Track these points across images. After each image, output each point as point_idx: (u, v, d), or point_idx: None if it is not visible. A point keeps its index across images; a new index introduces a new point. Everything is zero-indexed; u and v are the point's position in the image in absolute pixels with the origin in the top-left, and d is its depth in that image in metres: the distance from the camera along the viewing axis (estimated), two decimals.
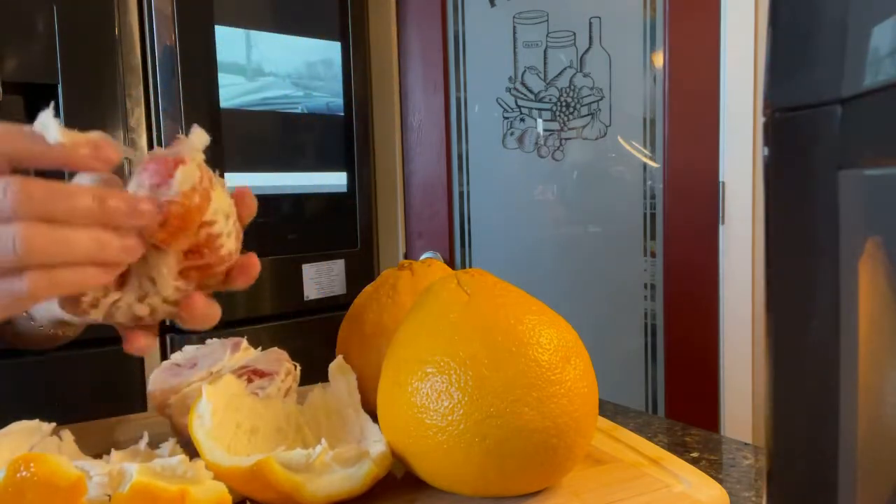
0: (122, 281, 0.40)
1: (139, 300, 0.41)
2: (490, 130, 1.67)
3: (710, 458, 0.58)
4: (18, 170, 0.38)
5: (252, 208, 0.45)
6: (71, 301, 0.40)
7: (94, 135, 0.38)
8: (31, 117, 0.37)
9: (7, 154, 0.37)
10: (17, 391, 1.19)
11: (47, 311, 0.54)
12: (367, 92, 1.66)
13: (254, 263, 0.44)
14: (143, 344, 0.42)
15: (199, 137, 0.41)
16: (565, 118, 1.63)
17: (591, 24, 1.59)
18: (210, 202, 0.40)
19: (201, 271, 0.42)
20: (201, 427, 0.41)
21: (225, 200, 0.42)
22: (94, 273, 0.37)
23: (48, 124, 0.38)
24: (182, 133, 0.41)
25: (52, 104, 0.39)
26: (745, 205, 1.49)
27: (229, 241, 0.42)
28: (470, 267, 1.33)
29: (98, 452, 0.44)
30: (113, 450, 0.43)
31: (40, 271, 0.35)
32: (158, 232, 0.39)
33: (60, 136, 0.37)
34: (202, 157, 0.40)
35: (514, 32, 1.63)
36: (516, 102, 1.65)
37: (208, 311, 0.42)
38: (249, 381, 0.49)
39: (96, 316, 0.40)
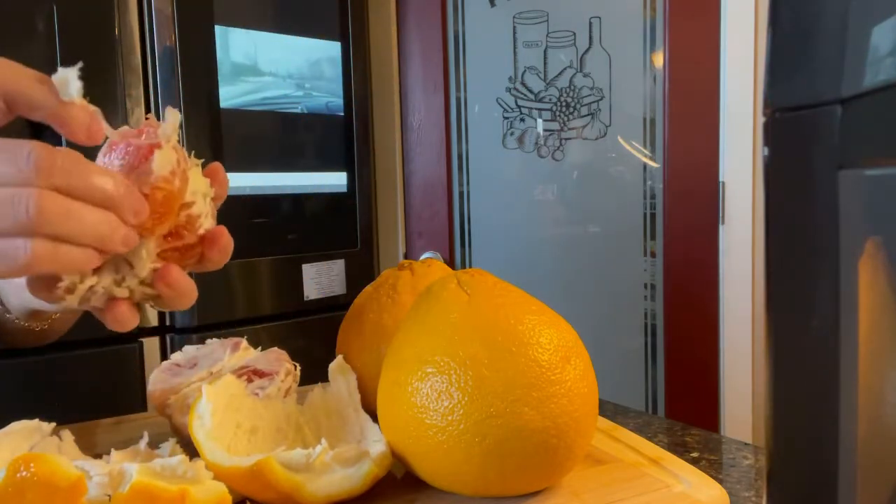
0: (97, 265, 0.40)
1: (116, 284, 0.40)
2: (490, 130, 1.67)
3: (710, 458, 0.58)
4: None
5: (225, 185, 0.43)
6: (46, 287, 0.39)
7: (93, 108, 0.38)
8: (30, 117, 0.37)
9: (5, 94, 0.36)
10: (17, 391, 1.19)
11: (20, 300, 0.53)
12: (367, 92, 1.66)
13: (222, 233, 0.42)
14: (124, 310, 0.40)
15: (172, 118, 0.40)
16: (565, 118, 1.63)
17: (591, 24, 1.59)
18: (188, 183, 0.40)
19: (180, 252, 0.41)
20: (201, 427, 0.41)
21: (201, 180, 0.41)
22: (96, 258, 0.36)
23: (70, 81, 0.37)
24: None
25: (80, 63, 0.37)
26: (745, 205, 1.49)
27: (207, 220, 0.42)
28: (470, 267, 1.33)
29: (98, 452, 0.44)
30: (113, 450, 0.43)
31: (46, 241, 0.34)
32: (145, 220, 0.38)
33: (76, 97, 0.37)
34: (176, 137, 0.40)
35: (514, 32, 1.63)
36: (516, 102, 1.65)
37: (185, 284, 0.41)
38: (249, 381, 0.49)
39: (72, 301, 0.39)
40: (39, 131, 0.38)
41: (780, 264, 0.22)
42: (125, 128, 0.40)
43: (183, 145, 0.41)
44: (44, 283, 0.39)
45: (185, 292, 0.41)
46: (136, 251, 0.39)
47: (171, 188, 0.38)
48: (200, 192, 0.41)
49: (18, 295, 0.53)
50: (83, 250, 0.36)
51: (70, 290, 0.38)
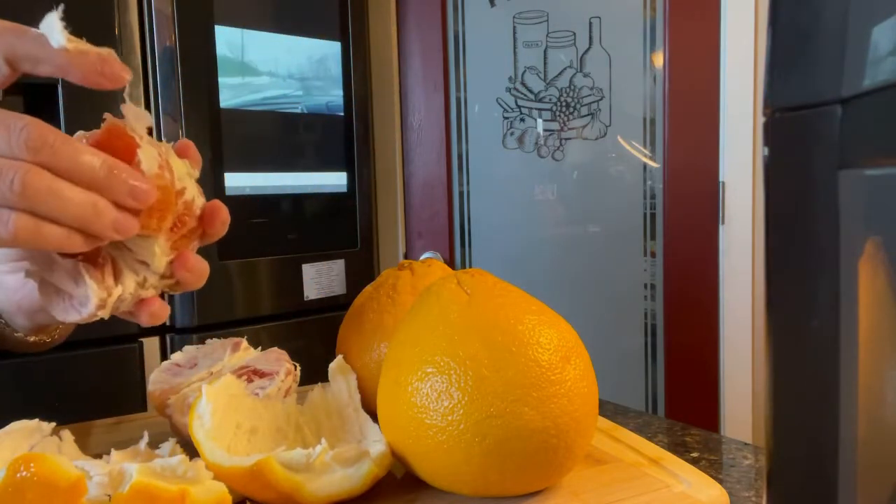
0: (116, 273, 0.40)
1: (140, 286, 0.41)
2: (490, 130, 1.67)
3: (710, 458, 0.58)
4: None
5: (198, 158, 0.43)
6: (74, 309, 0.39)
7: (104, 49, 0.37)
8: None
9: (5, 53, 0.35)
10: (17, 391, 1.19)
11: (29, 321, 0.53)
12: (367, 92, 1.66)
13: (219, 207, 0.43)
14: (156, 307, 0.41)
15: (134, 112, 0.39)
16: (565, 118, 1.63)
17: (591, 24, 1.59)
18: (174, 172, 0.40)
19: (187, 238, 0.42)
20: (201, 427, 0.41)
21: (179, 163, 0.41)
22: (78, 241, 0.36)
23: (53, 26, 0.35)
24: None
25: (61, 6, 0.36)
26: (745, 205, 1.49)
27: (199, 199, 0.42)
28: (470, 267, 1.33)
29: (98, 452, 0.44)
30: (113, 450, 0.43)
31: (28, 216, 0.34)
32: (149, 222, 0.38)
33: (65, 41, 0.35)
34: (144, 129, 0.39)
35: (514, 32, 1.63)
36: (516, 102, 1.65)
37: (201, 265, 0.42)
38: (249, 381, 0.49)
39: (104, 314, 0.40)
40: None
41: (780, 264, 0.22)
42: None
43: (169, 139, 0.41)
44: (73, 308, 0.39)
45: (202, 273, 0.42)
46: (149, 250, 0.40)
47: (165, 183, 0.38)
48: (185, 174, 0.41)
49: (30, 317, 0.52)
50: (66, 231, 0.35)
51: (101, 306, 0.39)
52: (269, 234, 1.46)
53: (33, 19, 0.37)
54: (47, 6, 0.33)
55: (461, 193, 1.71)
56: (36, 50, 0.36)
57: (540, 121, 1.64)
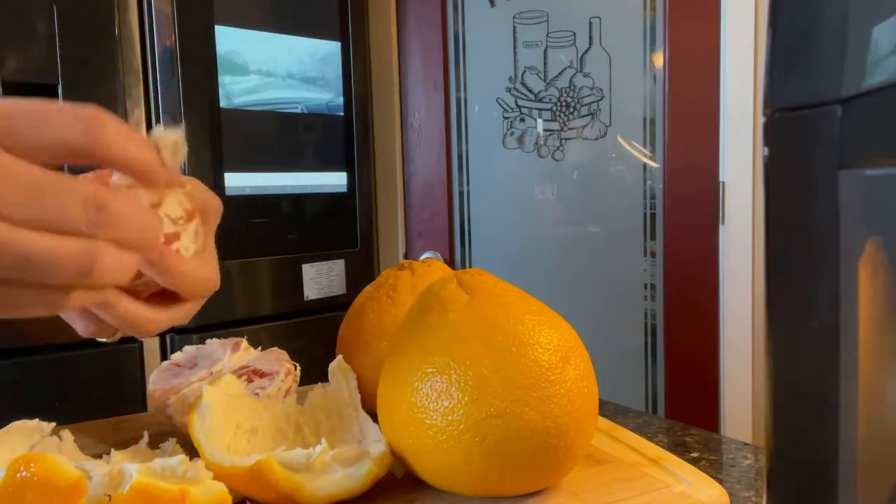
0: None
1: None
2: (490, 130, 1.67)
3: (710, 458, 0.58)
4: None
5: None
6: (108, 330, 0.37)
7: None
8: None
9: (104, 153, 0.33)
10: (17, 391, 1.19)
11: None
12: (367, 92, 1.66)
13: (161, 253, 0.35)
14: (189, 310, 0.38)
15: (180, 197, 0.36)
16: (565, 118, 1.63)
17: (591, 24, 1.59)
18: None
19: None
20: (201, 427, 0.41)
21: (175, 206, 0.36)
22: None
23: (181, 147, 0.35)
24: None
25: (185, 149, 0.35)
26: (745, 205, 1.49)
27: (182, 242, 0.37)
28: (470, 267, 1.33)
29: (98, 452, 0.44)
30: (113, 450, 0.43)
31: (85, 290, 0.31)
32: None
33: (170, 161, 0.35)
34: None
35: (514, 32, 1.63)
36: (516, 102, 1.65)
37: (135, 309, 0.36)
38: (249, 381, 0.49)
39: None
40: None
41: (780, 264, 0.22)
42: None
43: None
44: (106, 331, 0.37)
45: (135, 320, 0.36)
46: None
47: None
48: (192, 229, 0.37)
49: None
50: (104, 292, 0.33)
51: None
52: (269, 234, 1.46)
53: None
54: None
55: (461, 193, 1.71)
56: (132, 153, 0.34)
57: (540, 121, 1.64)
